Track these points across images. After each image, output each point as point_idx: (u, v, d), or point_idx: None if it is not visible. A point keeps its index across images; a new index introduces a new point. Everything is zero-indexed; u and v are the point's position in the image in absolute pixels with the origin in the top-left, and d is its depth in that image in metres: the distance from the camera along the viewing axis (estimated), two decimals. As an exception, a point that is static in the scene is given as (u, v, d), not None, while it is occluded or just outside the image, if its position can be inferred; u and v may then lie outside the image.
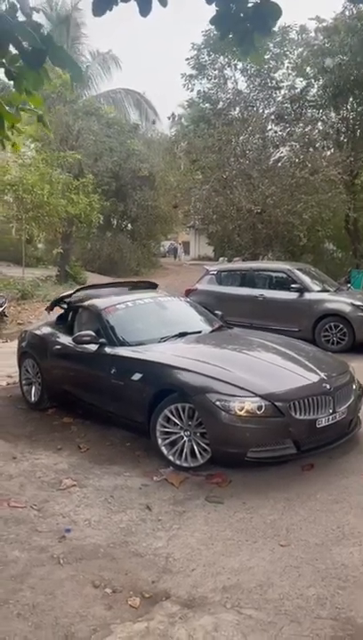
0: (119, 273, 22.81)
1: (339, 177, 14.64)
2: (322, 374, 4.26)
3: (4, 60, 3.03)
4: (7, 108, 3.72)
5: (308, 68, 15.74)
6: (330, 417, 4.03)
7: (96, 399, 5.02)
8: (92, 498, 3.69)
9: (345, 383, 4.37)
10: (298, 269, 9.17)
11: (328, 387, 4.12)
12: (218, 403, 3.83)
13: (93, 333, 4.95)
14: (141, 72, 54.87)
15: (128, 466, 4.23)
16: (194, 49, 16.41)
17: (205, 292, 9.55)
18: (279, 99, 16.34)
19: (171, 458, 4.10)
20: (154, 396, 4.23)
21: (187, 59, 16.53)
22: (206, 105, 17.16)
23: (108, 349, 4.85)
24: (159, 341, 4.87)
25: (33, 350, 5.90)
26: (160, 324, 5.28)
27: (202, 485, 3.85)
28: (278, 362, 4.48)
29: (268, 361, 4.49)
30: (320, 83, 15.87)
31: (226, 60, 16.19)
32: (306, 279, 8.87)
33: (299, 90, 16.22)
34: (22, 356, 6.12)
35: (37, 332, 6.04)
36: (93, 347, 4.94)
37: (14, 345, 6.95)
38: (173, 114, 17.87)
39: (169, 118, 17.81)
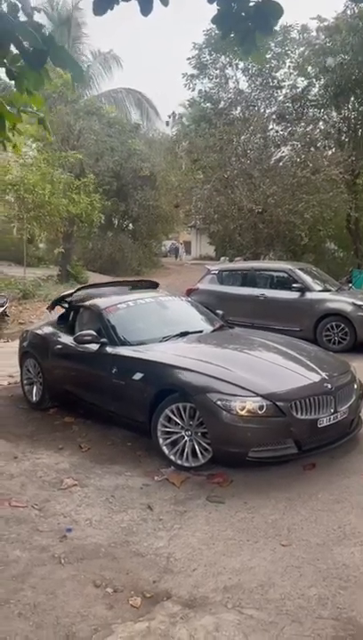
0: (120, 273, 22.81)
1: (340, 176, 14.62)
2: (323, 374, 4.26)
3: (5, 60, 3.04)
4: (8, 107, 3.72)
5: (309, 68, 15.72)
6: (331, 417, 4.02)
7: (97, 399, 5.01)
8: (93, 497, 3.69)
9: (346, 383, 4.36)
10: (299, 269, 9.15)
11: (330, 386, 4.12)
12: (219, 402, 3.83)
13: (95, 333, 4.95)
14: (142, 72, 54.92)
15: (129, 465, 4.23)
16: (195, 48, 16.41)
17: (206, 291, 9.55)
18: (281, 98, 16.33)
19: (172, 457, 4.10)
20: (155, 396, 4.23)
21: (188, 58, 16.55)
22: (208, 104, 17.15)
23: (109, 349, 4.85)
24: (160, 341, 4.87)
25: (34, 350, 5.90)
26: (161, 323, 5.27)
27: (203, 485, 3.85)
28: (280, 361, 4.48)
29: (269, 360, 4.48)
30: (322, 82, 15.85)
31: (227, 59, 16.19)
32: (307, 279, 8.86)
33: (300, 89, 16.21)
34: (23, 355, 6.13)
35: (39, 332, 6.04)
36: (94, 346, 4.94)
37: (15, 345, 6.95)
38: (173, 112, 17.90)
39: (169, 117, 17.83)
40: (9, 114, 3.59)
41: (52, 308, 6.43)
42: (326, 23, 14.94)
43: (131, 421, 4.61)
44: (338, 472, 3.96)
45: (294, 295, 8.66)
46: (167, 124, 17.91)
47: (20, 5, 2.75)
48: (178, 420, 4.09)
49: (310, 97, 16.37)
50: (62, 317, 6.03)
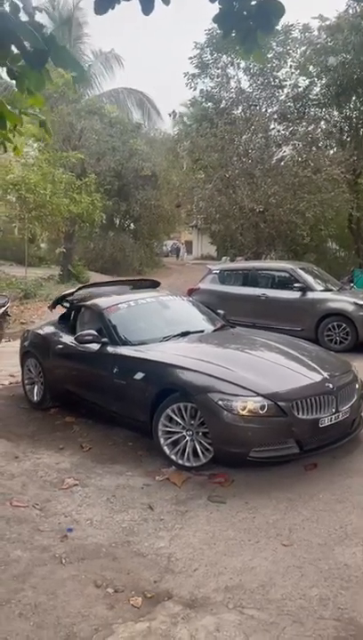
0: (122, 272, 22.81)
1: (342, 176, 14.62)
2: (325, 374, 4.25)
3: (6, 60, 3.03)
4: (9, 107, 3.71)
5: (311, 67, 15.71)
6: (333, 416, 4.01)
7: (98, 399, 5.01)
8: (94, 497, 3.68)
9: (348, 382, 4.36)
10: (301, 268, 9.14)
11: (331, 386, 4.11)
12: (220, 402, 3.82)
13: (96, 333, 4.95)
14: (143, 71, 54.96)
15: (130, 465, 4.22)
16: (197, 48, 16.42)
17: (207, 291, 9.54)
18: (282, 97, 16.34)
19: (173, 457, 4.09)
20: (156, 396, 4.22)
21: (190, 57, 16.56)
22: (209, 104, 17.16)
23: (110, 349, 4.84)
24: (161, 341, 4.87)
25: (35, 350, 5.90)
26: (162, 323, 5.27)
27: (204, 485, 3.84)
28: (281, 361, 4.47)
29: (270, 360, 4.48)
30: (323, 81, 15.85)
31: (229, 58, 16.20)
32: (309, 278, 8.85)
33: (302, 89, 16.22)
34: (25, 355, 6.13)
35: (40, 332, 6.04)
36: (96, 346, 4.93)
37: (17, 344, 6.95)
38: (173, 111, 17.82)
39: (170, 115, 17.79)
40: (10, 113, 3.57)
41: (53, 307, 6.43)
42: (327, 22, 14.93)
43: (132, 421, 4.60)
44: (340, 472, 3.95)
45: (295, 295, 8.65)
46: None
47: (21, 5, 2.74)
48: (179, 420, 4.09)
49: (311, 96, 16.38)
50: (63, 317, 6.03)
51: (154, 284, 6.61)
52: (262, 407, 3.78)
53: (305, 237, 15.43)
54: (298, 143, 15.86)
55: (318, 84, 16.14)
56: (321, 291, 8.70)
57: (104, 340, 4.91)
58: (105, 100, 23.90)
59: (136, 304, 5.38)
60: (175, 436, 4.11)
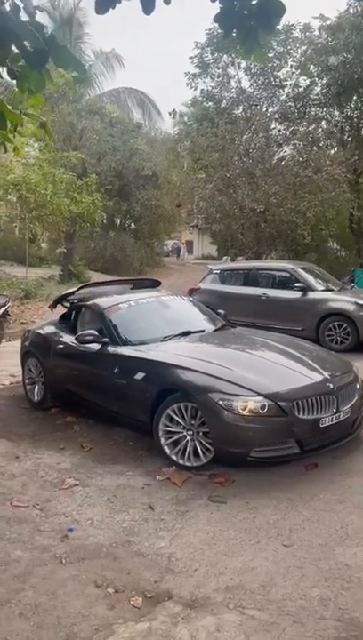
0: (123, 272, 22.80)
1: (343, 176, 14.61)
2: (326, 374, 4.24)
3: (6, 60, 3.02)
4: (9, 107, 3.70)
5: (312, 67, 15.70)
6: (334, 416, 4.01)
7: (99, 398, 5.01)
8: (94, 497, 3.68)
9: (349, 382, 4.35)
10: (301, 268, 9.13)
11: (332, 386, 4.10)
12: (221, 402, 3.82)
13: (96, 332, 4.95)
14: (143, 71, 54.95)
15: (131, 465, 4.22)
16: (197, 47, 16.43)
17: (208, 291, 9.54)
18: (283, 97, 16.33)
19: (174, 457, 4.09)
20: (157, 396, 4.22)
21: (190, 57, 16.56)
22: (210, 104, 17.16)
23: (110, 348, 4.84)
24: (162, 341, 4.87)
25: (36, 349, 5.90)
26: (163, 323, 5.27)
27: (205, 485, 3.84)
28: (282, 361, 4.46)
29: (271, 360, 4.47)
30: (324, 81, 15.84)
31: (229, 58, 16.20)
32: (310, 278, 8.84)
33: (303, 88, 16.21)
34: (25, 355, 6.12)
35: (40, 332, 6.04)
36: (96, 346, 4.93)
37: (17, 344, 6.95)
38: (174, 110, 17.79)
39: (170, 114, 17.76)
40: (10, 113, 3.56)
41: (53, 306, 6.43)
42: (328, 22, 14.93)
43: (132, 421, 4.60)
44: (340, 472, 3.95)
45: (296, 295, 8.65)
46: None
47: (22, 5, 2.74)
48: (180, 420, 4.08)
49: (312, 96, 16.37)
50: (64, 317, 6.03)
51: (154, 284, 6.61)
52: (263, 407, 3.78)
53: (306, 237, 15.42)
54: (299, 143, 15.85)
55: (319, 84, 16.13)
56: (322, 290, 8.69)
57: (105, 339, 4.91)
58: (106, 100, 23.89)
59: (137, 304, 5.38)
60: (176, 436, 4.11)
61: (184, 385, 4.08)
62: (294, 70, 16.06)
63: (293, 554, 2.96)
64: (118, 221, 27.44)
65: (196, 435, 4.02)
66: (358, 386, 4.46)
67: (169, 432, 4.14)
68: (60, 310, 6.24)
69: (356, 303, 8.16)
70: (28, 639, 2.34)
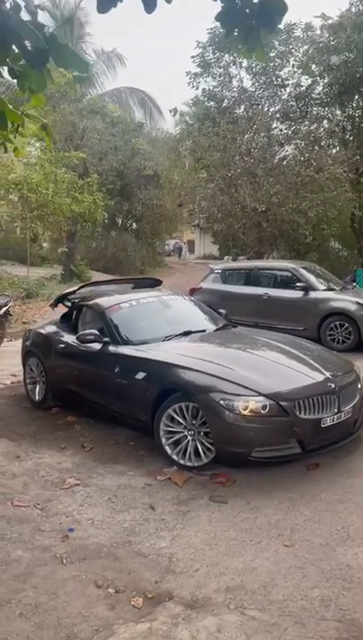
0: (124, 272, 22.79)
1: (344, 175, 14.58)
2: (327, 373, 4.24)
3: (7, 59, 3.01)
4: (11, 107, 3.70)
5: (313, 66, 15.65)
6: (335, 416, 4.00)
7: (100, 398, 5.01)
8: (95, 497, 3.68)
9: (350, 382, 4.34)
10: (303, 268, 9.12)
11: (333, 386, 4.10)
12: (222, 402, 3.81)
13: (97, 332, 4.94)
14: (145, 70, 54.99)
15: (132, 465, 4.22)
16: (199, 47, 16.39)
17: (209, 290, 9.54)
18: (285, 97, 16.29)
19: (175, 457, 4.08)
20: (158, 395, 4.22)
21: (192, 56, 16.52)
22: (211, 103, 17.13)
23: (111, 348, 4.84)
24: (163, 340, 4.86)
25: (37, 349, 5.90)
26: (164, 322, 5.26)
27: (206, 485, 3.83)
28: (283, 361, 4.45)
29: (272, 360, 4.46)
30: (326, 80, 15.80)
31: (231, 58, 16.15)
32: (311, 278, 8.83)
33: (304, 88, 16.17)
34: (26, 354, 6.12)
35: (41, 331, 6.04)
36: (97, 345, 4.93)
37: (19, 344, 6.95)
38: (175, 108, 17.76)
39: (171, 112, 17.72)
40: (11, 112, 3.55)
41: (55, 305, 6.44)
42: (330, 21, 14.88)
43: (134, 421, 4.60)
44: (342, 472, 3.94)
45: (297, 294, 8.63)
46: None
47: (23, 4, 2.73)
48: (181, 420, 4.08)
49: (314, 95, 16.33)
50: (65, 316, 6.03)
51: (155, 283, 6.61)
52: (264, 407, 3.77)
53: (307, 237, 15.40)
54: (300, 142, 15.81)
55: (321, 83, 16.09)
56: (324, 290, 8.68)
57: (106, 339, 4.90)
58: (107, 100, 23.89)
59: (138, 303, 5.37)
60: (177, 436, 4.10)
61: (185, 385, 4.08)
62: (295, 69, 16.02)
63: (294, 554, 2.95)
64: (120, 221, 27.44)
65: (197, 435, 4.01)
66: (359, 386, 4.45)
67: (170, 432, 4.14)
68: (62, 310, 6.24)
69: (357, 303, 8.14)
70: (29, 639, 2.33)
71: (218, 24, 2.82)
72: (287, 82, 16.20)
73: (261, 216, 15.31)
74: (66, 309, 6.11)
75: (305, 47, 15.68)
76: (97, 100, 22.82)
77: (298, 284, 8.65)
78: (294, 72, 16.10)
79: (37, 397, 5.85)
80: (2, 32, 2.57)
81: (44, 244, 25.80)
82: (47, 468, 4.19)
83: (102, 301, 5.43)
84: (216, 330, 5.33)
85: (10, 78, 3.21)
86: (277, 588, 2.68)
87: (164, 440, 4.15)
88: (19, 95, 3.66)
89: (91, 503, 3.59)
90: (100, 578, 2.78)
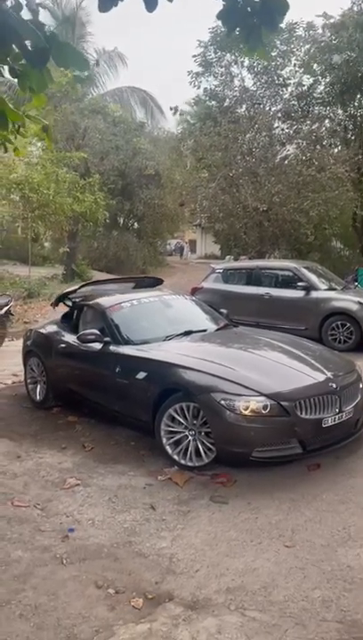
0: (126, 271, 22.75)
1: (346, 174, 14.55)
2: (328, 373, 4.22)
3: (8, 59, 3.00)
4: (12, 106, 3.69)
5: (315, 65, 15.62)
6: (336, 416, 3.99)
7: (101, 398, 5.00)
8: (95, 497, 3.67)
9: (352, 382, 4.33)
10: (305, 267, 9.11)
11: (335, 386, 4.08)
12: (223, 402, 3.80)
13: (98, 332, 4.94)
14: (146, 70, 54.97)
15: (132, 465, 4.21)
16: (200, 46, 16.36)
17: (211, 290, 9.53)
18: (286, 96, 16.26)
19: (175, 457, 4.08)
20: (159, 395, 4.21)
21: (193, 56, 16.49)
22: (213, 102, 17.09)
23: (112, 348, 4.83)
24: (164, 340, 4.85)
25: (38, 349, 5.90)
26: (165, 322, 5.25)
27: (207, 485, 3.82)
28: (284, 361, 4.44)
29: (273, 360, 4.45)
30: (327, 80, 15.76)
31: (233, 57, 16.12)
32: (313, 277, 8.82)
33: (306, 87, 16.14)
34: (27, 354, 6.12)
35: (42, 331, 6.04)
36: (98, 345, 4.92)
37: (20, 344, 6.95)
38: (176, 106, 17.70)
39: (171, 109, 17.68)
40: (11, 112, 3.54)
41: (55, 304, 6.43)
42: (332, 20, 14.84)
43: (134, 421, 4.59)
44: (343, 472, 3.93)
45: (299, 294, 8.62)
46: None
47: (24, 3, 2.72)
48: (181, 420, 4.07)
49: (315, 95, 16.29)
50: (66, 316, 6.03)
51: (156, 282, 6.60)
52: (265, 407, 3.76)
53: (309, 236, 15.38)
54: (302, 142, 15.78)
55: (323, 83, 16.06)
56: (325, 290, 8.66)
57: (106, 339, 4.90)
58: (108, 99, 23.89)
59: (139, 303, 5.36)
60: (178, 436, 4.10)
61: (186, 385, 4.07)
62: (297, 69, 15.99)
63: (295, 555, 2.94)
64: (121, 221, 27.43)
65: (198, 435, 4.00)
66: (361, 385, 4.43)
67: (171, 432, 4.13)
68: (63, 309, 6.23)
69: (359, 302, 8.13)
70: (28, 640, 2.33)
71: (219, 23, 2.82)
72: (289, 81, 16.17)
73: (262, 216, 15.29)
74: (67, 309, 6.11)
75: (307, 46, 15.64)
76: (98, 99, 22.82)
77: (300, 284, 8.64)
78: (296, 71, 16.07)
79: (38, 397, 5.85)
80: (2, 31, 2.56)
81: (46, 244, 25.81)
82: (48, 467, 4.18)
83: (103, 301, 5.42)
84: (217, 329, 5.32)
85: (11, 78, 3.20)
86: (277, 588, 2.67)
87: (164, 440, 4.15)
88: (20, 95, 3.65)
89: (91, 503, 3.59)
90: (100, 578, 2.77)
